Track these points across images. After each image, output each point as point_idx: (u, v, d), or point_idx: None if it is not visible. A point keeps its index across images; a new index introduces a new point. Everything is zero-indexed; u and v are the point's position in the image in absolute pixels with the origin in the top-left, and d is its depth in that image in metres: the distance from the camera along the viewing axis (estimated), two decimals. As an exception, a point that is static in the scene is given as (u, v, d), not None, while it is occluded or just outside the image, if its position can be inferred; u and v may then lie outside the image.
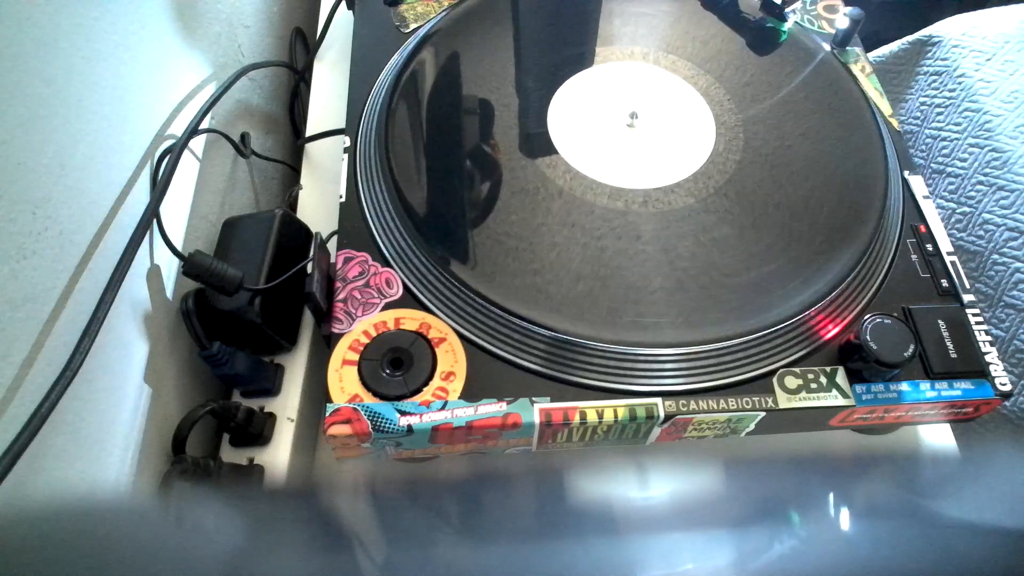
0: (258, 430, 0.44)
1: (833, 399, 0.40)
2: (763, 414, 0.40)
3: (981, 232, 0.62)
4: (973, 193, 0.63)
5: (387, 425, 0.37)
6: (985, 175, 0.63)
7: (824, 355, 0.41)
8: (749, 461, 0.24)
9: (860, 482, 0.25)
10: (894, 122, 0.53)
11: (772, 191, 0.47)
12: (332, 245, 0.45)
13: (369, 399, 0.38)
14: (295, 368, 0.48)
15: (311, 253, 0.42)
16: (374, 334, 0.40)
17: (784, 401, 0.40)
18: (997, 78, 0.66)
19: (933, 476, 0.26)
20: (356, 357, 0.39)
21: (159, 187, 0.40)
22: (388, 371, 0.39)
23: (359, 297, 0.42)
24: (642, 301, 0.42)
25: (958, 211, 0.64)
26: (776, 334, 0.41)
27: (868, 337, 0.39)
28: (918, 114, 0.72)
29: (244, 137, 0.55)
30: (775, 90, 0.53)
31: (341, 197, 0.46)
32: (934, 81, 0.71)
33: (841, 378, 0.41)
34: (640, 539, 0.21)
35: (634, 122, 0.51)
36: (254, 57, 0.59)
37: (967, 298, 0.44)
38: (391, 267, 0.43)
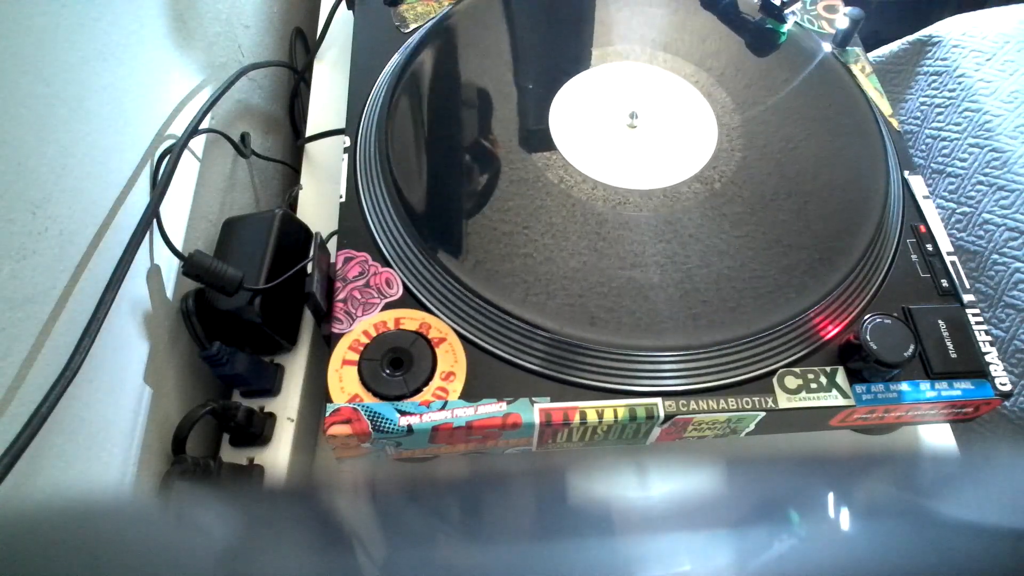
0: (258, 430, 0.44)
1: (833, 399, 0.40)
2: (763, 414, 0.40)
3: (981, 232, 0.62)
4: (973, 193, 0.63)
5: (387, 425, 0.37)
6: (985, 175, 0.63)
7: (824, 355, 0.41)
8: (749, 461, 0.24)
9: (860, 482, 0.25)
10: (894, 122, 0.53)
11: (772, 192, 0.47)
12: (332, 245, 0.45)
13: (369, 399, 0.38)
14: (295, 368, 0.48)
15: (311, 253, 0.42)
16: (374, 334, 0.40)
17: (784, 401, 0.40)
18: (997, 78, 0.66)
19: (933, 476, 0.26)
20: (356, 357, 0.39)
21: (159, 187, 0.40)
22: (388, 371, 0.39)
23: (359, 297, 0.42)
24: (642, 301, 0.42)
25: (958, 211, 0.64)
26: (776, 334, 0.41)
27: (868, 337, 0.39)
28: (918, 114, 0.72)
29: (244, 137, 0.55)
30: (776, 90, 0.53)
31: (341, 197, 0.46)
32: (934, 81, 0.71)
33: (841, 378, 0.41)
34: (640, 539, 0.21)
35: (635, 122, 0.51)
36: (254, 57, 0.59)
37: (967, 298, 0.44)
38: (391, 267, 0.43)
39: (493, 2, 0.56)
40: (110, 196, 0.38)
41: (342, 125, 0.51)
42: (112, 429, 0.37)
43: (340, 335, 0.40)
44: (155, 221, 0.40)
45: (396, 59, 0.53)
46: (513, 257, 0.43)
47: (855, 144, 0.50)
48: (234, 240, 0.46)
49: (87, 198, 0.35)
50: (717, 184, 0.47)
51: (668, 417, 0.39)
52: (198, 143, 0.49)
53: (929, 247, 0.46)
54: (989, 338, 0.42)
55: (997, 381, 0.41)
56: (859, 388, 0.40)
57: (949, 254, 0.46)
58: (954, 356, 0.41)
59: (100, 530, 0.19)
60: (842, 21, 0.56)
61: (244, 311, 0.42)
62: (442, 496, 0.23)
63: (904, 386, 0.41)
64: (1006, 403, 0.58)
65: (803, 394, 0.40)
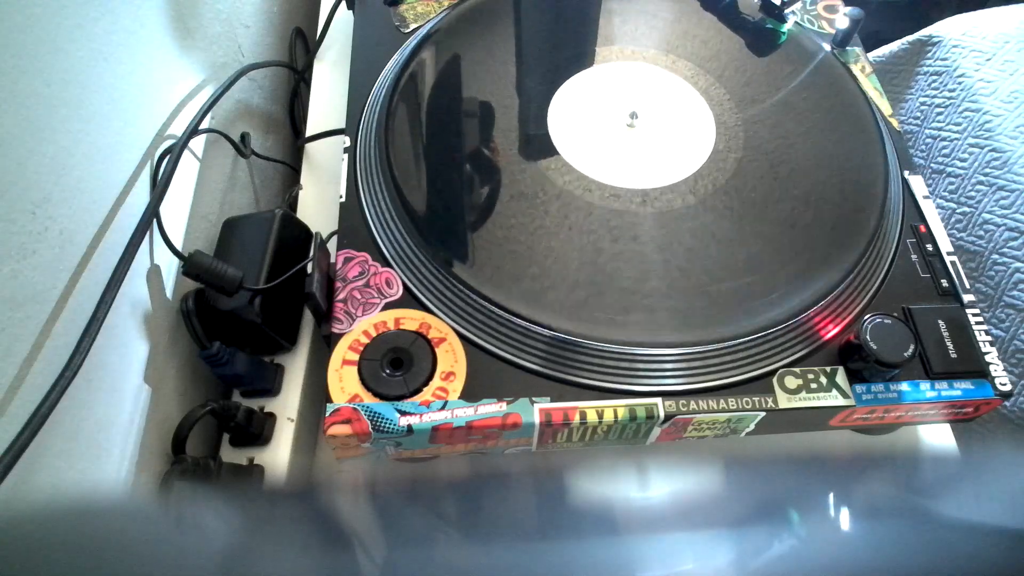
0: (258, 430, 0.44)
1: (833, 399, 0.40)
2: (763, 414, 0.40)
3: (981, 232, 0.62)
4: (973, 193, 0.63)
5: (387, 425, 0.37)
6: (985, 175, 0.63)
7: (824, 355, 0.41)
8: (749, 461, 0.24)
9: (860, 482, 0.25)
10: (894, 122, 0.53)
11: (772, 191, 0.47)
12: (332, 245, 0.45)
13: (369, 399, 0.38)
14: (295, 368, 0.48)
15: (311, 253, 0.42)
16: (374, 334, 0.40)
17: (784, 401, 0.40)
18: (997, 78, 0.66)
19: (933, 476, 0.26)
20: (356, 357, 0.39)
21: (159, 187, 0.40)
22: (388, 371, 0.39)
23: (359, 297, 0.42)
24: (642, 301, 0.42)
25: (958, 211, 0.64)
26: (776, 334, 0.41)
27: (868, 337, 0.39)
28: (918, 114, 0.72)
29: (244, 137, 0.55)
30: (775, 90, 0.53)
31: (341, 197, 0.46)
32: (934, 81, 0.71)
33: (841, 378, 0.41)
34: (640, 539, 0.21)
35: (634, 122, 0.51)
36: (254, 57, 0.59)
37: (967, 298, 0.44)
38: (391, 267, 0.43)
39: (493, 2, 0.56)
40: (110, 196, 0.38)
41: (342, 125, 0.51)
42: (112, 429, 0.37)
43: (340, 335, 0.40)
44: (155, 221, 0.40)
45: (396, 59, 0.53)
46: (513, 256, 0.43)
47: (855, 144, 0.50)
48: (234, 240, 0.46)
49: (87, 198, 0.35)
50: (717, 184, 0.47)
51: (668, 417, 0.39)
52: (198, 143, 0.49)
53: (929, 247, 0.46)
54: (989, 338, 0.42)
55: (997, 381, 0.41)
56: (859, 388, 0.40)
57: (949, 254, 0.46)
58: (954, 356, 0.41)
59: (100, 530, 0.19)
60: (842, 21, 0.56)
61: (244, 311, 0.42)
62: (442, 496, 0.23)
63: (904, 386, 0.41)
64: (1006, 403, 0.58)
65: (803, 394, 0.40)
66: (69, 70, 0.34)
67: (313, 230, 0.47)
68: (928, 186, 0.54)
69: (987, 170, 0.63)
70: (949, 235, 0.48)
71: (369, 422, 0.37)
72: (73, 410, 0.34)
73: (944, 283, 0.44)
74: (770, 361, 0.41)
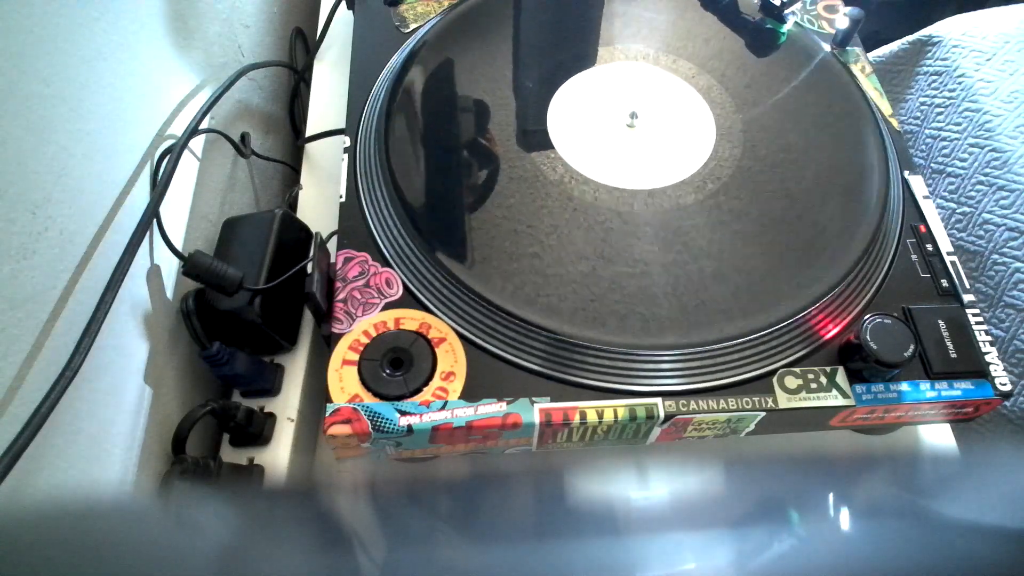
0: (258, 430, 0.44)
1: (833, 399, 0.40)
2: (763, 414, 0.40)
3: (981, 232, 0.62)
4: (973, 193, 0.63)
5: (387, 425, 0.37)
6: (985, 175, 0.63)
7: (824, 355, 0.41)
8: (749, 461, 0.24)
9: (860, 482, 0.25)
10: (894, 122, 0.53)
11: (772, 191, 0.47)
12: (332, 245, 0.45)
13: (369, 399, 0.38)
14: (295, 368, 0.48)
15: (311, 253, 0.42)
16: (374, 334, 0.40)
17: (784, 401, 0.40)
18: (997, 78, 0.66)
19: (933, 476, 0.26)
20: (356, 357, 0.39)
21: (159, 187, 0.40)
22: (388, 371, 0.39)
23: (359, 297, 0.42)
24: (642, 301, 0.42)
25: (958, 211, 0.64)
26: (776, 334, 0.41)
27: (868, 337, 0.39)
28: (918, 114, 0.72)
29: (244, 137, 0.55)
30: (775, 90, 0.53)
31: (341, 197, 0.46)
32: (934, 81, 0.71)
33: (841, 378, 0.41)
34: (640, 539, 0.21)
35: (634, 122, 0.51)
36: (254, 57, 0.59)
37: (967, 298, 0.44)
38: (391, 267, 0.43)
39: (493, 3, 0.56)
40: (110, 196, 0.38)
41: (342, 125, 0.51)
42: (112, 429, 0.37)
43: (340, 335, 0.40)
44: (155, 221, 0.40)
45: (396, 59, 0.53)
46: (513, 257, 0.43)
47: (855, 144, 0.50)
48: (234, 240, 0.46)
49: (87, 198, 0.35)
50: (716, 184, 0.47)
51: (668, 417, 0.39)
52: (198, 143, 0.49)
53: (929, 247, 0.46)
54: (989, 338, 0.42)
55: (997, 381, 0.41)
56: (859, 388, 0.40)
57: (949, 254, 0.46)
58: (954, 356, 0.41)
59: (100, 530, 0.19)
60: (842, 21, 0.56)
61: (244, 311, 0.42)
62: (442, 496, 0.23)
63: (904, 386, 0.41)
64: (1006, 403, 0.58)
65: (803, 394, 0.40)
66: (69, 70, 0.34)
67: (313, 230, 0.47)
68: (928, 186, 0.54)
69: (987, 170, 0.63)
70: (949, 235, 0.48)
71: (369, 422, 0.37)
72: (73, 410, 0.34)
73: (944, 283, 0.44)
74: (770, 361, 0.41)
